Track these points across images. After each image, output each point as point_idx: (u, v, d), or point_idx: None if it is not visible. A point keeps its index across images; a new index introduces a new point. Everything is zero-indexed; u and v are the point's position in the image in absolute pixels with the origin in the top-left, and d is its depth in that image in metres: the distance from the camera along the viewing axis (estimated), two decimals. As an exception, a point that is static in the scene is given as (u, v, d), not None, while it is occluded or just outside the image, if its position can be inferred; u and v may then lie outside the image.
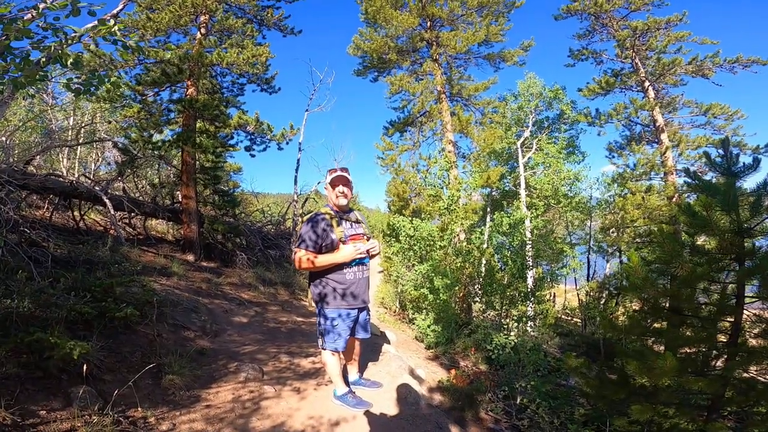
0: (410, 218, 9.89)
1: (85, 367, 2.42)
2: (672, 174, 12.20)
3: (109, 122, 11.21)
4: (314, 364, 3.91)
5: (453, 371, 5.14)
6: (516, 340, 5.70)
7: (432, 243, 9.25)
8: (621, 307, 13.87)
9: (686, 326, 3.23)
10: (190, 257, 8.24)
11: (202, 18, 8.99)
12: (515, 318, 6.63)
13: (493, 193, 16.53)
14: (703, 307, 3.20)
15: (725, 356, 3.09)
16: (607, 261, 17.38)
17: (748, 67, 12.37)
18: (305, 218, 2.96)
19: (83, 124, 12.11)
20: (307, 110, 15.63)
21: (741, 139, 12.63)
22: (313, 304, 2.97)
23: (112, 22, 2.49)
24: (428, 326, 7.17)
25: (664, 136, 12.48)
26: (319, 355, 3.72)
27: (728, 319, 3.10)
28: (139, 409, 2.54)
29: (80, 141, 11.32)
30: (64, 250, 5.20)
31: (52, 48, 2.39)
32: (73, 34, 2.60)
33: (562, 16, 14.17)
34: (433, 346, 6.70)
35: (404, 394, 3.50)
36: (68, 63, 2.38)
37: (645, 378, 2.81)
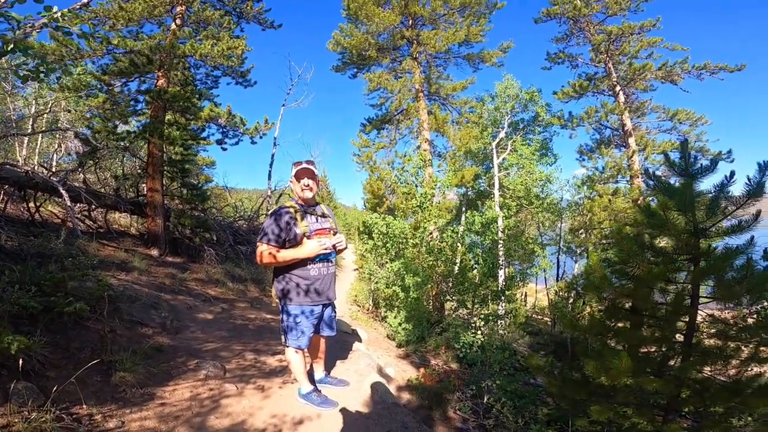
0: (383, 215, 9.87)
1: (21, 361, 2.29)
2: (637, 177, 12.61)
3: (69, 111, 10.65)
4: (281, 362, 3.83)
5: (422, 370, 5.14)
6: (483, 339, 5.76)
7: (404, 241, 9.26)
8: (588, 306, 14.29)
9: (644, 326, 3.32)
10: (154, 252, 7.94)
11: (178, 9, 8.66)
12: (482, 317, 6.70)
13: (468, 192, 16.73)
14: (660, 306, 3.29)
15: (680, 356, 3.19)
16: (576, 261, 17.92)
17: (716, 74, 12.73)
18: (269, 212, 2.88)
19: (41, 113, 11.49)
20: (283, 105, 15.47)
21: (704, 144, 13.12)
22: (276, 301, 2.89)
23: (55, 8, 2.36)
24: (399, 324, 7.16)
25: (631, 140, 12.88)
26: (285, 351, 3.65)
27: (683, 319, 3.20)
28: (84, 406, 2.43)
29: (39, 130, 10.74)
30: (16, 242, 4.91)
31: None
32: (24, 23, 2.47)
33: (541, 20, 14.39)
34: (404, 345, 6.69)
35: (371, 392, 3.47)
36: (8, 48, 2.25)
37: (603, 378, 2.87)
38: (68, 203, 6.83)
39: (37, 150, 12.66)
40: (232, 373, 3.47)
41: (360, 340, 5.51)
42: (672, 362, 3.36)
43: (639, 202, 11.84)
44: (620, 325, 3.49)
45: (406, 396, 4.26)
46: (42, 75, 2.90)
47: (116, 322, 3.63)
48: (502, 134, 15.03)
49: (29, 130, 10.74)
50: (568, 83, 14.20)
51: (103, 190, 9.28)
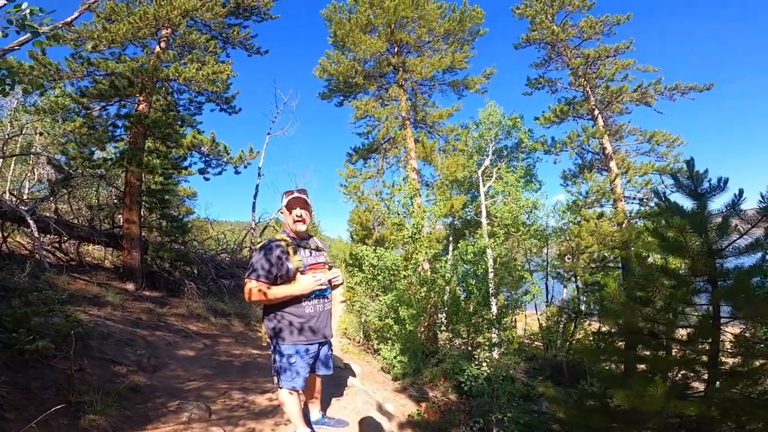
0: (374, 247, 9.63)
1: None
2: (621, 201, 12.72)
3: (41, 134, 10.16)
4: (271, 401, 3.48)
5: (423, 404, 4.84)
6: (488, 371, 5.48)
7: (396, 272, 9.01)
8: (581, 329, 14.16)
9: (663, 349, 3.15)
10: (130, 286, 7.43)
11: (163, 31, 8.53)
12: (486, 347, 6.46)
13: (456, 222, 16.66)
14: (680, 329, 3.14)
15: (706, 377, 3.01)
16: (564, 286, 17.85)
17: (686, 94, 13.03)
18: (258, 246, 2.63)
19: (12, 136, 10.95)
20: (269, 133, 15.28)
21: (682, 165, 13.36)
22: (267, 340, 2.59)
23: (25, 4, 2.15)
24: (394, 357, 6.83)
25: (612, 164, 13.05)
26: (277, 391, 3.33)
27: (705, 340, 3.04)
28: (47, 452, 2.07)
29: (9, 153, 10.21)
30: (-25, 276, 4.47)
31: None
32: None
33: (521, 45, 14.69)
34: (400, 377, 6.38)
35: (372, 432, 3.15)
36: None
37: (631, 405, 2.65)
38: (36, 234, 6.37)
39: (9, 177, 12.06)
40: (218, 414, 3.13)
41: (354, 375, 5.16)
42: (695, 383, 3.18)
43: (624, 225, 11.93)
44: (620, 346, 3.33)
45: (409, 435, 3.93)
46: (8, 87, 2.67)
47: (85, 360, 3.24)
48: (487, 162, 15.16)
49: (-1, 154, 10.20)
50: (549, 108, 14.34)
51: (76, 220, 8.78)
